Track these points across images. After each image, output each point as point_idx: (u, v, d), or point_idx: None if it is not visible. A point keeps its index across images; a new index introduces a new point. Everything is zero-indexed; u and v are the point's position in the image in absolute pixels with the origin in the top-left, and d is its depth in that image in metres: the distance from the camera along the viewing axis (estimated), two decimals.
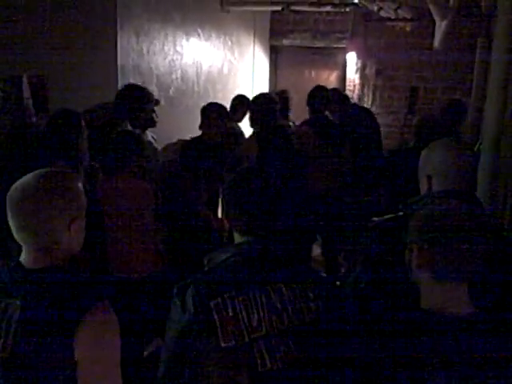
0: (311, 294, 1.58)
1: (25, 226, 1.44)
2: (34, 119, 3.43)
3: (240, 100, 5.06)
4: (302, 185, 3.82)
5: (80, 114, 3.21)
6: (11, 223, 1.46)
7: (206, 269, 1.62)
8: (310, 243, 4.36)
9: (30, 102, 3.41)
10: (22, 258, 1.49)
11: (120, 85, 4.35)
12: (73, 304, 1.41)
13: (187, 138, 4.26)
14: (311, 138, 4.29)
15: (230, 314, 1.48)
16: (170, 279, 3.37)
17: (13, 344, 1.39)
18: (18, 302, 1.41)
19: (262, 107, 4.11)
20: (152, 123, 4.06)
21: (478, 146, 4.05)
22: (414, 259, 1.42)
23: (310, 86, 4.76)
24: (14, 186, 1.48)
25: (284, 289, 1.56)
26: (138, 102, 3.80)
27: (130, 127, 3.73)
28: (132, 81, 4.45)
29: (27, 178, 1.49)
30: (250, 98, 5.04)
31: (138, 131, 3.66)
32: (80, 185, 1.57)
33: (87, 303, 1.42)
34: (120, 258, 3.22)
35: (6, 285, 1.45)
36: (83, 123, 3.13)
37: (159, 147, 4.24)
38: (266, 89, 7.94)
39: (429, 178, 1.87)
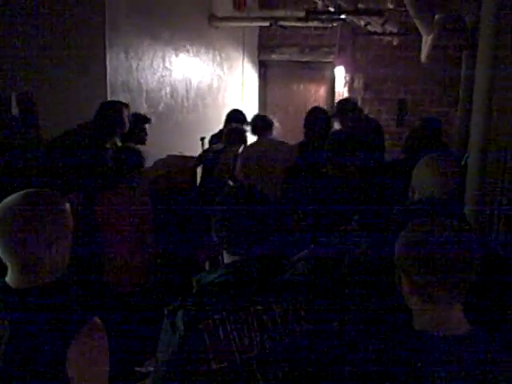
0: (303, 313, 1.58)
1: (6, 246, 1.45)
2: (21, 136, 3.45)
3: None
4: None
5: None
6: None
7: (196, 289, 1.60)
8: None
9: (19, 119, 3.42)
10: (8, 277, 1.50)
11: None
12: (62, 325, 1.42)
13: (177, 153, 4.28)
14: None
15: (221, 335, 1.47)
16: (160, 293, 3.41)
17: (3, 365, 1.39)
18: (7, 323, 1.41)
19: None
20: (142, 141, 4.11)
21: (465, 159, 4.09)
22: (404, 286, 1.40)
23: (298, 100, 4.80)
24: None
25: (275, 308, 1.55)
26: (115, 124, 3.85)
27: (119, 143, 3.77)
28: (121, 98, 4.47)
29: (12, 197, 1.50)
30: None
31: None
32: (66, 205, 1.57)
33: (76, 324, 1.43)
34: (116, 270, 3.25)
35: None
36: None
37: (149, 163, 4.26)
38: (255, 103, 7.99)
39: (412, 190, 2.05)
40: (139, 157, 3.35)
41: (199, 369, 1.44)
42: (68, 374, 1.39)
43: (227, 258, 1.64)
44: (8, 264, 1.49)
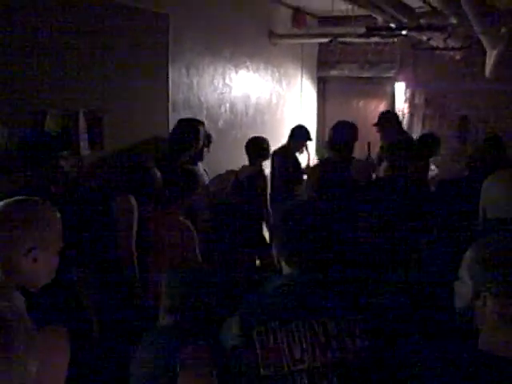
0: (357, 331, 1.56)
1: None
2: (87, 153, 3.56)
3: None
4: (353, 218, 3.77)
5: None
6: None
7: (253, 298, 1.66)
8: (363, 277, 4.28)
9: (86, 137, 3.54)
10: None
11: (171, 118, 4.46)
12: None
13: (236, 169, 4.32)
14: None
15: (272, 343, 1.51)
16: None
17: None
18: None
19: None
20: (200, 157, 4.19)
21: None
22: (490, 308, 1.34)
23: (358, 116, 4.76)
24: None
25: (329, 323, 1.55)
26: (191, 142, 3.91)
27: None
28: (182, 114, 4.56)
29: (3, 202, 1.59)
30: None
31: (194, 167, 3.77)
32: (51, 215, 1.62)
33: (36, 324, 1.45)
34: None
35: None
36: None
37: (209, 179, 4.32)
38: (313, 119, 7.98)
39: (484, 209, 1.96)
40: (196, 180, 3.37)
41: (248, 373, 1.50)
42: None
43: (285, 269, 1.69)
44: None
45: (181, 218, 3.30)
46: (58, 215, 1.64)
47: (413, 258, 2.08)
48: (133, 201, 2.99)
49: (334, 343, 1.53)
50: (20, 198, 1.62)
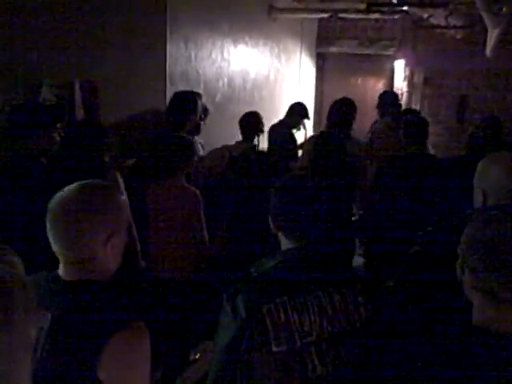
0: (361, 299, 1.59)
1: (59, 239, 1.41)
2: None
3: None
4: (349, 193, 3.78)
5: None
6: (49, 235, 1.43)
7: (255, 275, 1.63)
8: (352, 252, 4.31)
9: (81, 108, 3.51)
10: (60, 269, 1.47)
11: (168, 91, 4.42)
12: (102, 322, 1.35)
13: (233, 143, 4.30)
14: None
15: (283, 318, 1.50)
16: (213, 282, 3.42)
17: (40, 357, 1.33)
18: (49, 315, 1.36)
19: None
20: (197, 131, 4.14)
21: None
22: (467, 281, 1.35)
23: (356, 94, 4.74)
24: (54, 197, 1.45)
25: (334, 293, 1.57)
26: (188, 114, 3.86)
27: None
28: (180, 87, 4.52)
29: (67, 189, 1.46)
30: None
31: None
32: (122, 198, 1.54)
33: (115, 325, 1.35)
34: (163, 259, 3.27)
35: (44, 296, 1.39)
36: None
37: (205, 153, 4.30)
38: (312, 96, 7.93)
39: (484, 192, 1.87)
40: (190, 148, 3.35)
41: (260, 351, 1.47)
42: (99, 377, 1.31)
43: (285, 244, 1.67)
44: (60, 258, 1.45)
45: (185, 184, 3.32)
46: (124, 198, 1.56)
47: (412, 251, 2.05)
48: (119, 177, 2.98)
49: (340, 314, 1.56)
50: (85, 182, 1.48)
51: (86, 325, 1.34)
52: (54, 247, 1.44)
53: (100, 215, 1.42)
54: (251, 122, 4.30)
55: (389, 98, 5.42)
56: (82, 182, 1.48)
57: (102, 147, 2.93)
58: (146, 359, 1.40)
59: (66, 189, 1.46)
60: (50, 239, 1.43)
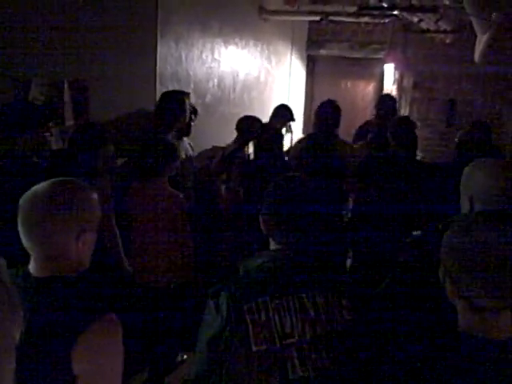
0: (344, 302, 1.59)
1: (31, 236, 1.42)
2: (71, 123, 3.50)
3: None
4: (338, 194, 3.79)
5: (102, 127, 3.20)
6: (20, 231, 1.44)
7: (240, 273, 1.63)
8: (344, 254, 4.32)
9: (71, 107, 3.48)
10: (31, 266, 1.47)
11: (158, 91, 4.40)
12: (74, 316, 1.36)
13: (222, 144, 4.29)
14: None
15: (263, 318, 1.49)
16: (197, 290, 3.41)
17: (18, 354, 1.32)
18: (21, 313, 1.36)
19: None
20: (187, 132, 4.12)
21: None
22: (449, 288, 1.34)
23: (346, 97, 4.75)
24: (25, 194, 1.45)
25: (318, 296, 1.57)
26: (177, 114, 3.84)
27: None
28: (170, 88, 4.50)
29: (39, 186, 1.47)
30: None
31: (173, 140, 3.71)
32: (94, 196, 1.54)
33: (87, 318, 1.36)
34: (145, 265, 3.25)
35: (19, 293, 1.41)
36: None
37: (194, 154, 4.28)
38: (301, 98, 7.93)
39: (471, 198, 1.84)
40: (173, 151, 3.34)
41: (239, 349, 1.47)
42: (73, 370, 1.32)
43: (272, 244, 1.68)
44: (32, 253, 1.46)
45: (169, 188, 3.31)
46: (96, 195, 1.56)
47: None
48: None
49: (323, 316, 1.55)
50: (61, 179, 1.50)
51: (59, 320, 1.35)
52: (26, 244, 1.44)
53: (71, 211, 1.44)
54: (245, 127, 4.24)
55: (391, 105, 5.32)
56: (56, 179, 1.50)
57: (103, 152, 2.98)
58: (118, 351, 1.41)
59: (37, 186, 1.47)
60: (21, 235, 1.44)
